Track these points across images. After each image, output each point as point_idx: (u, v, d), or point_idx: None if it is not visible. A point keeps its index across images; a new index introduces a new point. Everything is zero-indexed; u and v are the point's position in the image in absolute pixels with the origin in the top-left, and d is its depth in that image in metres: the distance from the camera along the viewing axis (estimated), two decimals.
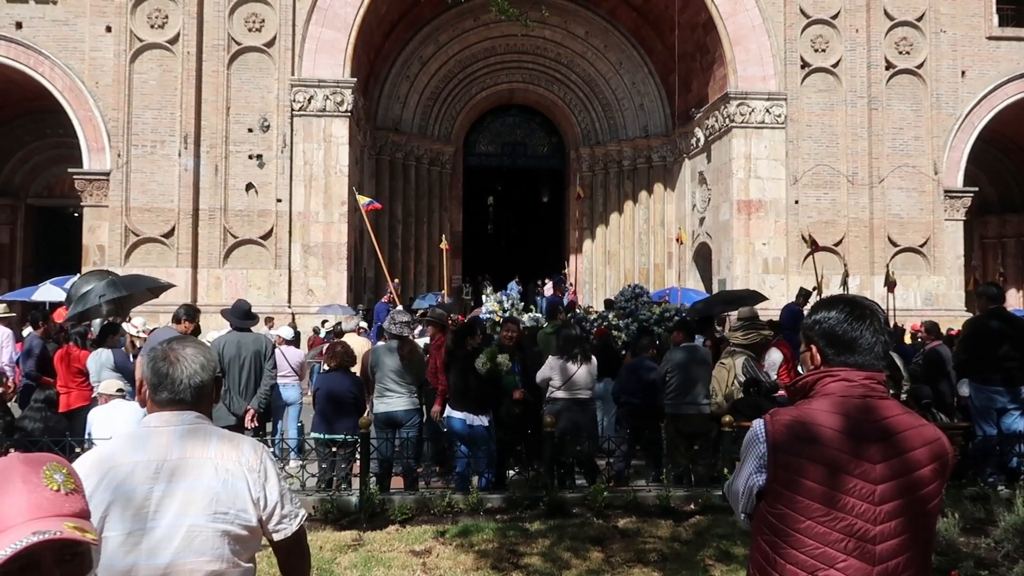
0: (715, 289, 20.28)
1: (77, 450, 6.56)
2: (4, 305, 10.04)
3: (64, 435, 6.68)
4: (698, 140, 21.62)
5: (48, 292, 17.71)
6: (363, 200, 16.01)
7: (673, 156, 23.65)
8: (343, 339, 8.79)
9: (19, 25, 17.76)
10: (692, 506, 6.48)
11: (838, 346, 2.03)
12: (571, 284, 22.74)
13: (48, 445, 6.30)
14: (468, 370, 6.95)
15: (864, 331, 2.03)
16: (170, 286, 13.03)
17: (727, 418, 6.67)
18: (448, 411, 7.14)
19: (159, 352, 2.16)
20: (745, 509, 2.03)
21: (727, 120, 19.34)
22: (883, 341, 2.04)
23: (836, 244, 18.85)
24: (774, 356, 8.42)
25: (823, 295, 11.85)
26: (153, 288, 11.38)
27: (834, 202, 19.17)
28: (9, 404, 8.53)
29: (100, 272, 11.02)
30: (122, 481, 2.00)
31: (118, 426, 6.50)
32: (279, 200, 17.95)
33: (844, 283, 14.98)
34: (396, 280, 19.16)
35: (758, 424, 1.99)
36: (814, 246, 14.84)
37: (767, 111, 18.98)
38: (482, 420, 6.95)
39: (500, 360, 6.98)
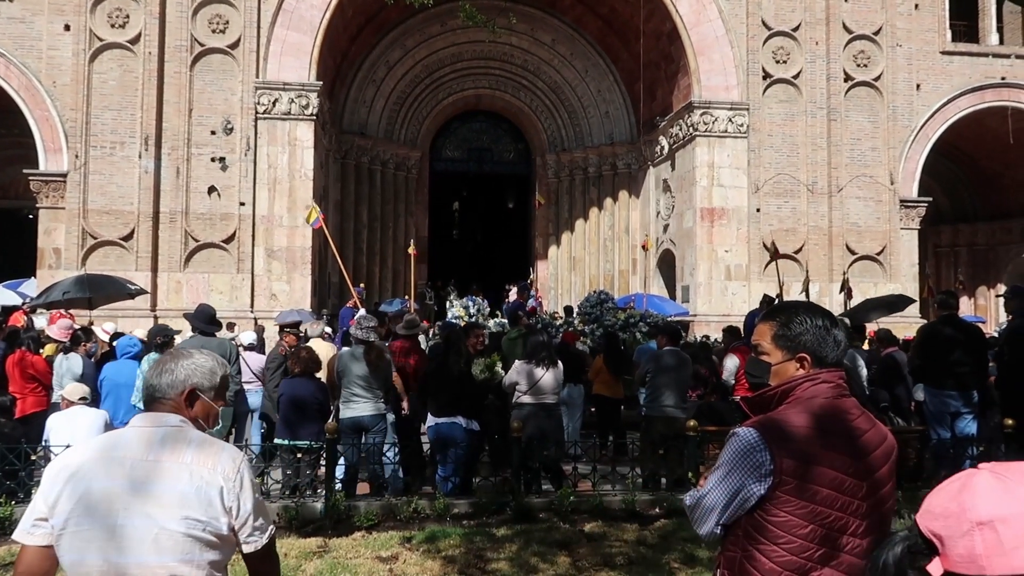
0: (679, 295, 20.52)
1: (33, 457, 6.41)
2: None
3: (19, 442, 6.51)
4: (662, 148, 21.87)
5: (1, 295, 17.25)
6: (313, 218, 15.47)
7: (638, 164, 23.88)
8: (307, 344, 8.71)
9: None
10: (657, 510, 6.55)
11: (827, 350, 2.06)
12: (536, 291, 22.80)
13: (2, 452, 6.15)
14: (464, 377, 6.93)
15: (839, 331, 2.10)
16: (142, 292, 13.01)
17: (691, 423, 6.76)
18: (432, 419, 7.11)
19: (161, 358, 2.27)
20: (726, 520, 1.99)
21: (691, 129, 19.61)
22: (847, 338, 2.13)
23: (796, 252, 19.21)
24: (730, 363, 8.57)
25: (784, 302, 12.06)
26: (129, 291, 11.50)
27: (794, 210, 19.54)
28: None
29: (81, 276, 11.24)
30: (93, 477, 2.02)
31: (79, 432, 6.37)
32: (242, 204, 17.72)
33: (805, 290, 15.27)
34: (361, 285, 19.05)
35: (751, 434, 1.95)
36: (776, 254, 15.12)
37: (730, 120, 19.28)
38: (472, 424, 6.95)
39: (498, 366, 7.00)
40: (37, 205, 17.78)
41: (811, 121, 19.52)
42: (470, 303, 15.74)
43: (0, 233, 22.83)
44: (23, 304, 14.44)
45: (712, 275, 19.20)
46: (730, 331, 10.27)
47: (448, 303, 18.05)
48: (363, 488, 7.07)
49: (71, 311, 11.92)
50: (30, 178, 17.59)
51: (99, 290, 10.81)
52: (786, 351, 2.08)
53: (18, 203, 21.33)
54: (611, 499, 6.60)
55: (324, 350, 8.64)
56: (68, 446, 6.07)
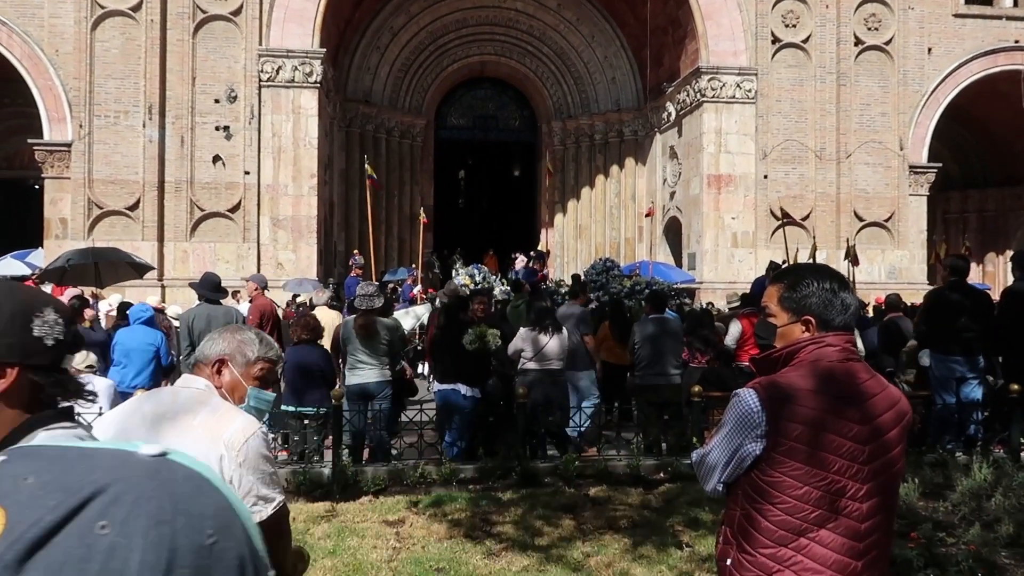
0: (685, 263, 20.45)
1: None
2: None
3: None
4: (669, 114, 21.66)
5: (9, 266, 17.30)
6: (370, 171, 17.19)
7: (644, 130, 23.68)
8: (314, 312, 8.74)
9: None
10: (662, 474, 6.59)
11: (833, 313, 2.05)
12: (545, 263, 22.77)
13: None
14: (458, 346, 6.96)
15: (848, 294, 2.08)
16: (150, 268, 13.12)
17: (696, 388, 6.78)
18: (436, 385, 7.17)
19: (216, 330, 2.49)
20: (726, 479, 2.03)
21: (698, 95, 19.40)
22: (857, 302, 2.11)
23: (804, 218, 19.10)
24: (735, 328, 8.56)
25: None
26: (135, 265, 11.60)
27: (802, 177, 19.37)
28: None
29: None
30: (126, 428, 2.17)
31: None
32: (247, 172, 17.68)
33: (812, 257, 15.20)
34: (356, 252, 19.09)
35: (749, 395, 1.98)
36: (785, 218, 15.02)
37: (738, 86, 19.06)
38: (474, 392, 6.99)
39: (488, 337, 7.00)
40: (42, 175, 17.76)
41: (820, 86, 19.27)
42: (475, 271, 15.73)
43: (6, 203, 22.86)
44: (32, 274, 14.51)
45: (719, 242, 19.12)
46: (744, 297, 10.26)
47: (454, 271, 18.04)
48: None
49: (81, 288, 12.01)
50: (35, 148, 17.55)
51: (104, 258, 10.90)
52: (792, 313, 2.08)
53: (23, 173, 21.30)
54: (615, 464, 6.65)
55: (330, 318, 8.68)
56: (78, 413, 6.14)
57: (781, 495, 1.93)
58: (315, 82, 17.94)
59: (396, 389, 7.22)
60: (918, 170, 19.88)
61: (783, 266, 12.70)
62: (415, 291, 17.51)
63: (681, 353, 7.75)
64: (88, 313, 8.89)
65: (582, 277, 15.51)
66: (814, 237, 17.82)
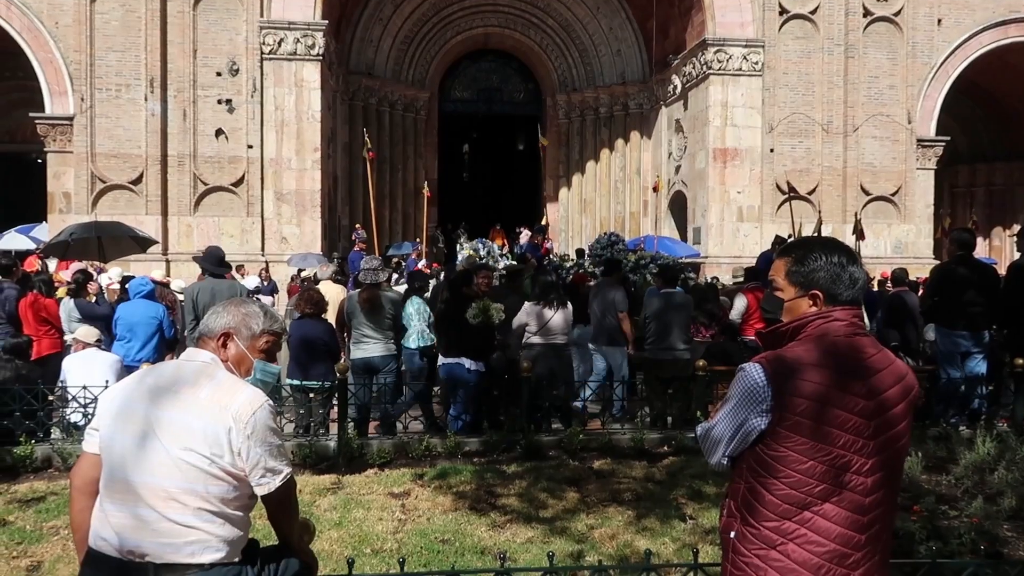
0: (690, 237, 20.39)
1: (50, 397, 6.53)
2: None
3: (37, 383, 6.61)
4: (675, 87, 21.46)
5: (13, 240, 17.33)
6: (368, 145, 17.42)
7: (650, 103, 23.48)
8: (318, 286, 8.74)
9: None
10: (666, 448, 6.62)
11: (841, 287, 2.04)
12: (546, 237, 22.69)
13: (20, 393, 6.25)
14: (462, 319, 6.96)
15: (856, 268, 2.07)
16: (153, 242, 13.18)
17: (701, 362, 6.78)
18: (441, 359, 7.18)
19: (219, 304, 2.49)
20: (731, 452, 2.04)
21: (704, 67, 19.20)
22: (865, 276, 2.10)
23: (810, 192, 18.98)
24: (740, 302, 8.55)
25: None
26: (138, 240, 11.65)
27: (809, 151, 19.23)
28: None
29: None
30: (129, 399, 2.20)
31: (95, 374, 6.47)
32: (250, 146, 17.60)
33: (818, 231, 15.12)
34: (358, 226, 19.08)
35: (755, 369, 1.97)
36: (792, 193, 14.93)
37: (744, 58, 18.85)
38: (478, 366, 7.00)
39: (492, 311, 6.99)
40: (45, 149, 17.71)
41: (828, 58, 19.04)
42: (480, 245, 15.68)
43: (9, 177, 22.82)
44: (37, 249, 14.53)
45: (724, 216, 19.04)
46: (746, 271, 10.24)
47: (458, 246, 18.00)
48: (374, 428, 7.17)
49: (85, 261, 12.04)
50: (36, 122, 17.47)
51: (107, 232, 10.95)
52: (799, 287, 2.07)
53: (26, 147, 21.24)
54: (620, 437, 6.67)
55: (334, 292, 8.69)
56: (84, 387, 6.17)
57: (786, 469, 1.93)
58: (317, 55, 17.79)
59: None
60: (926, 143, 19.70)
61: (788, 240, 12.66)
62: (420, 265, 17.50)
63: (689, 328, 7.75)
64: (92, 287, 8.90)
65: (586, 251, 15.48)
66: (820, 211, 17.72)
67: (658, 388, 7.42)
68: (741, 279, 10.52)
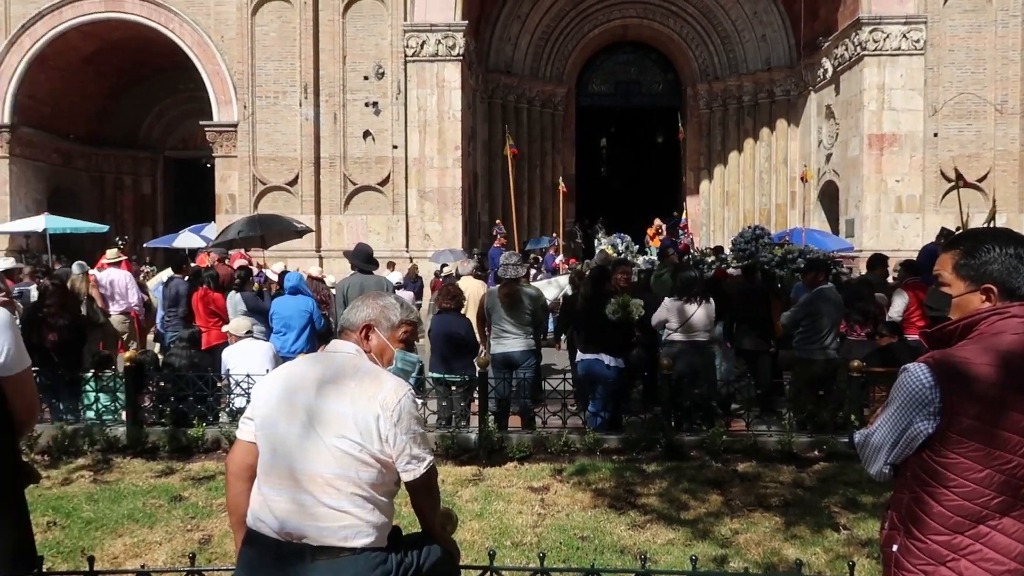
0: (842, 230, 19.26)
1: (219, 384, 7.06)
2: (115, 250, 10.65)
3: (207, 370, 7.18)
4: (825, 71, 20.33)
5: (187, 239, 18.92)
6: (510, 142, 17.85)
7: (797, 90, 22.38)
8: (459, 281, 8.94)
9: None
10: (816, 452, 6.29)
11: (1019, 281, 1.87)
12: (686, 229, 22.18)
13: (193, 380, 6.80)
14: (601, 315, 6.92)
15: None
16: (308, 230, 14.10)
17: (856, 363, 6.38)
18: (579, 355, 7.17)
19: (359, 297, 2.58)
20: (894, 460, 1.91)
21: (858, 48, 18.05)
22: None
23: (980, 180, 17.44)
24: (899, 300, 7.96)
25: None
26: (295, 229, 12.51)
27: (979, 133, 17.66)
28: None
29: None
30: (284, 389, 2.30)
31: (254, 363, 6.94)
32: (395, 147, 18.31)
33: (990, 222, 13.86)
34: (498, 222, 19.37)
35: (921, 370, 1.84)
36: (960, 180, 13.77)
37: (904, 36, 17.56)
38: (617, 362, 6.94)
39: (631, 306, 6.91)
40: (213, 154, 19.23)
41: (1002, 32, 17.40)
42: (618, 240, 15.52)
43: (184, 181, 24.96)
44: (208, 246, 15.77)
45: (880, 207, 17.85)
46: (906, 266, 9.50)
47: (596, 241, 17.91)
48: (514, 421, 7.25)
49: (248, 252, 12.96)
50: (206, 129, 19.05)
51: (268, 228, 11.84)
52: (970, 281, 1.91)
53: (197, 153, 23.16)
54: (766, 439, 6.40)
55: (475, 287, 8.85)
56: (248, 375, 6.63)
57: (958, 478, 1.79)
58: (458, 55, 18.22)
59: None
60: None
61: (956, 232, 11.67)
62: (557, 260, 17.55)
63: (840, 326, 7.30)
64: (256, 283, 9.54)
65: (726, 249, 14.95)
66: (993, 200, 16.22)
67: (805, 389, 7.04)
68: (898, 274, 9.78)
